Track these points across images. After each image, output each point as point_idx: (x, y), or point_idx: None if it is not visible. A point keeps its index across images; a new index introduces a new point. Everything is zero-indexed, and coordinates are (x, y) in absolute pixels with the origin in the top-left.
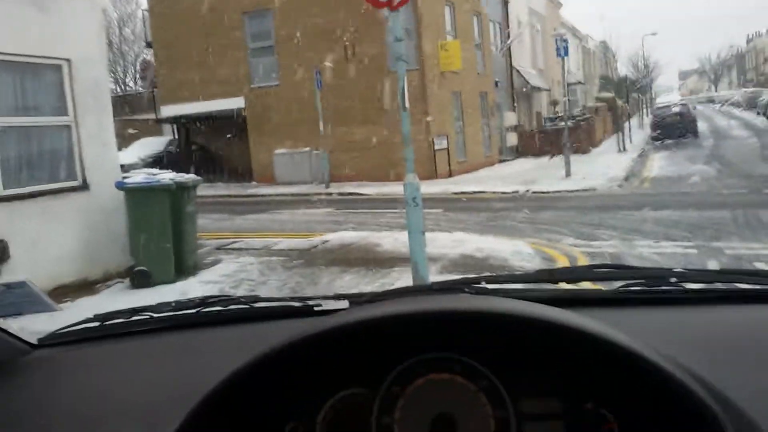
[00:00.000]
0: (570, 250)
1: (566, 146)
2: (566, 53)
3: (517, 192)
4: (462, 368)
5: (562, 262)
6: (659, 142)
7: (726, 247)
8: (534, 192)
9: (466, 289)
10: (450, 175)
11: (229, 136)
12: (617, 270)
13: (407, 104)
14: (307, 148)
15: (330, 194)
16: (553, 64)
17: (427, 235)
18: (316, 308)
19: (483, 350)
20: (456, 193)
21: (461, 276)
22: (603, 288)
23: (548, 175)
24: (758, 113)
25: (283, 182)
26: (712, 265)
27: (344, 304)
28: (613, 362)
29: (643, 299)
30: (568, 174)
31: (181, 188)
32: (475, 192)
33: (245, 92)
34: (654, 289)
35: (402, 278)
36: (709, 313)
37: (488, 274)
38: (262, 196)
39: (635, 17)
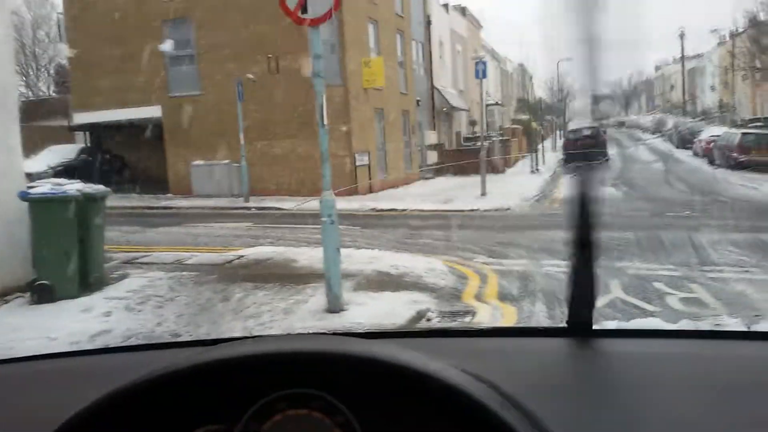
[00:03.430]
0: (481, 268)
1: (483, 166)
2: (485, 75)
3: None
4: (320, 404)
5: (474, 280)
6: (570, 164)
7: (628, 267)
8: (452, 210)
9: None
10: (370, 191)
11: (144, 145)
12: None
13: (326, 120)
14: (226, 161)
15: (249, 208)
16: (473, 85)
17: (343, 251)
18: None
19: (343, 387)
20: (375, 210)
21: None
22: None
23: (465, 193)
24: (664, 138)
25: (200, 195)
26: (614, 284)
27: None
28: (444, 394)
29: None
30: (483, 193)
31: (89, 199)
32: (393, 209)
33: (163, 101)
34: None
35: (316, 294)
36: (558, 342)
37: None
38: (178, 208)
39: (551, 42)
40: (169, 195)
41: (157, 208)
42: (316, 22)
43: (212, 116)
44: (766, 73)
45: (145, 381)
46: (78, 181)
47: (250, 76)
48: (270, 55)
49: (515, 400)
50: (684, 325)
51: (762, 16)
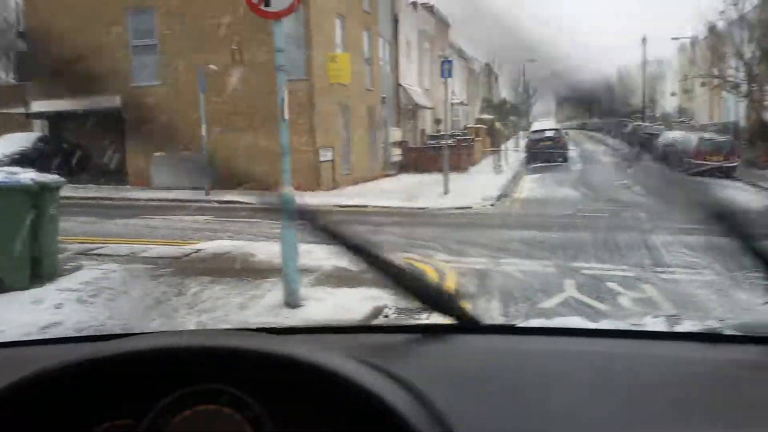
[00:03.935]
0: (440, 266)
1: (446, 164)
2: (450, 75)
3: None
4: (229, 399)
5: (433, 278)
6: (532, 165)
7: (583, 267)
8: (414, 208)
9: None
10: (334, 187)
11: (104, 135)
12: None
13: (286, 114)
14: (187, 153)
15: (209, 201)
16: (439, 83)
17: (304, 246)
18: None
19: (252, 383)
20: (338, 206)
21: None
22: None
23: (428, 191)
24: (624, 141)
25: (160, 187)
26: (569, 283)
27: None
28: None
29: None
30: (446, 191)
31: (43, 189)
32: (356, 205)
33: (124, 91)
34: None
35: (274, 290)
36: (482, 340)
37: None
38: (136, 200)
39: (518, 44)
40: (127, 186)
41: (115, 199)
42: (278, 15)
43: (174, 107)
44: (724, 81)
45: (42, 374)
46: (32, 170)
47: (213, 67)
48: (234, 47)
49: (422, 394)
50: (604, 324)
51: (720, 26)
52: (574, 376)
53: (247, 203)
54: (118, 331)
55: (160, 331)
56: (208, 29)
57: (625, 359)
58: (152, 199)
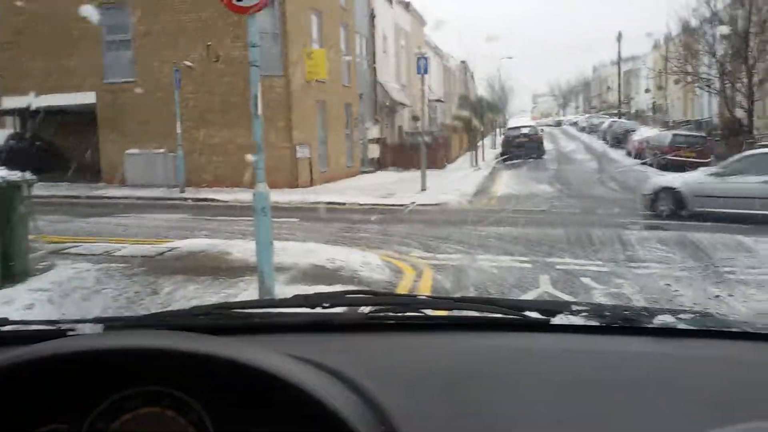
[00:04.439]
0: (417, 263)
1: (423, 161)
2: (426, 71)
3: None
4: (172, 402)
5: (409, 274)
6: (508, 161)
7: (558, 263)
8: (391, 205)
9: (207, 316)
10: (311, 184)
11: (77, 132)
12: (369, 296)
13: (260, 111)
14: (162, 150)
15: (185, 199)
16: (416, 80)
17: (279, 244)
18: (69, 333)
19: (195, 385)
20: (315, 203)
21: (226, 301)
22: (356, 313)
23: (405, 188)
24: (599, 138)
25: (134, 184)
26: (544, 279)
27: (98, 328)
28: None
29: (386, 324)
30: (423, 188)
31: (13, 187)
32: (334, 203)
33: (97, 87)
34: (399, 315)
35: (249, 288)
36: (434, 338)
37: (247, 299)
38: (110, 198)
39: (494, 42)
40: (101, 184)
41: (89, 197)
42: (251, 10)
43: (148, 104)
44: (697, 78)
45: None
46: (2, 167)
47: (188, 63)
48: (209, 43)
49: (369, 393)
50: (556, 320)
51: (694, 23)
52: (524, 373)
53: (222, 201)
54: None
55: (98, 333)
56: (183, 25)
57: (576, 354)
58: (126, 197)
